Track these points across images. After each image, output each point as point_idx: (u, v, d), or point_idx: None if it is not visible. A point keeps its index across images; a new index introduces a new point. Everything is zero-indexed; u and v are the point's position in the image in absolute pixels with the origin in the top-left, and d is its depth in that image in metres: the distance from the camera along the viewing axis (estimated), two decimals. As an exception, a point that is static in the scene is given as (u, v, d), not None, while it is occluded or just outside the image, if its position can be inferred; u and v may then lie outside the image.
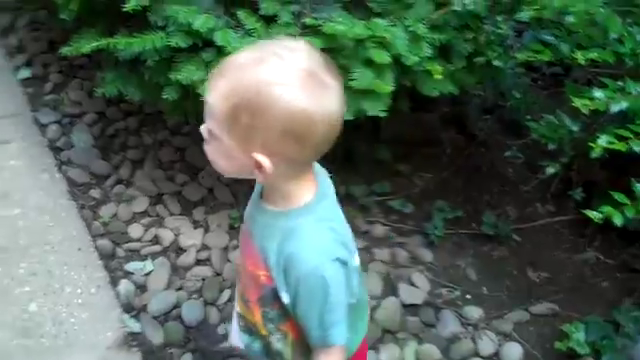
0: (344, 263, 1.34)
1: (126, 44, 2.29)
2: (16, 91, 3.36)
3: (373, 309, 2.56)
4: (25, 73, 3.48)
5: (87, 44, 2.35)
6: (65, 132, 3.18)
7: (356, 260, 1.48)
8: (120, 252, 2.69)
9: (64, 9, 2.37)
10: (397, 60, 2.29)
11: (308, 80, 1.21)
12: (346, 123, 2.35)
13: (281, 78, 1.20)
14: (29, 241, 2.67)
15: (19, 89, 3.38)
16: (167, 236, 2.75)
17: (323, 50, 2.24)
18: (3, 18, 3.80)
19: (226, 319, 2.48)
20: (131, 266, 2.63)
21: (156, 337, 2.40)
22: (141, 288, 2.56)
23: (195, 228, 2.81)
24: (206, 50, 2.27)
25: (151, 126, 3.21)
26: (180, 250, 2.72)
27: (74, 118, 3.25)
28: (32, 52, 3.61)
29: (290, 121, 1.20)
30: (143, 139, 3.17)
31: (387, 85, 2.28)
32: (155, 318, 2.46)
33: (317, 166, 1.45)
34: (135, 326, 2.42)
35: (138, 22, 2.36)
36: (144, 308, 2.48)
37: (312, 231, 1.33)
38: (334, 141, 1.30)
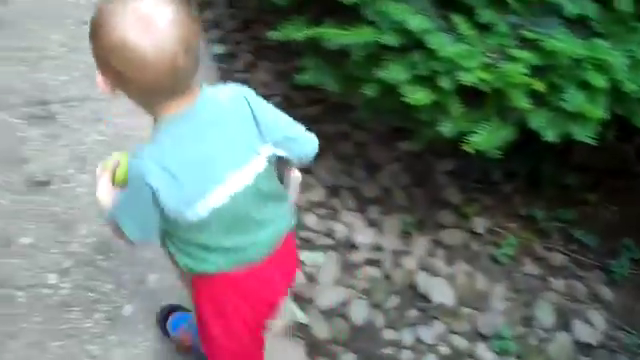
0: (150, 186, 1.43)
1: (335, 35, 2.27)
2: (209, 65, 3.43)
3: (542, 341, 2.45)
4: (219, 49, 3.55)
5: (296, 31, 2.36)
6: (251, 114, 3.21)
7: (201, 208, 1.50)
8: (293, 239, 2.69)
9: (278, -8, 2.38)
10: (613, 86, 2.17)
11: (138, 23, 1.32)
12: (534, 144, 2.28)
13: (114, 18, 1.33)
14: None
15: (212, 64, 3.45)
16: (340, 230, 2.74)
17: (537, 67, 2.18)
18: (203, -8, 3.91)
19: (392, 324, 2.45)
20: (303, 255, 2.62)
21: (321, 331, 2.39)
22: (311, 279, 2.55)
23: (368, 226, 2.77)
24: (415, 51, 2.22)
25: (333, 117, 3.20)
26: (352, 247, 2.69)
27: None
28: (227, 29, 3.68)
29: (111, 55, 1.35)
30: (325, 128, 3.15)
31: (599, 110, 2.15)
32: (322, 312, 2.44)
33: (227, 92, 1.59)
34: (302, 317, 2.41)
35: (346, 14, 2.34)
36: (312, 300, 2.47)
37: (145, 147, 1.46)
38: (169, 82, 1.39)
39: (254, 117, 1.57)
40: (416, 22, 2.17)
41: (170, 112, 1.45)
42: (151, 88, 1.39)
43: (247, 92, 1.63)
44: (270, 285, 1.72)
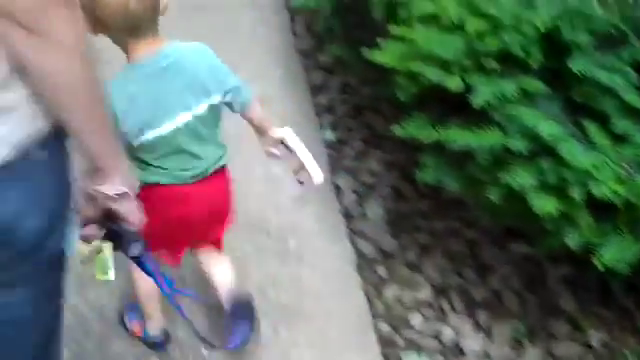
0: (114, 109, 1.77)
1: (461, 137, 2.22)
2: (320, 151, 3.41)
3: None
4: (329, 135, 3.54)
5: (420, 130, 2.32)
6: (360, 202, 3.17)
7: (150, 133, 1.91)
8: (398, 340, 2.60)
9: (404, 90, 2.34)
10: None
11: None
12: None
13: None
14: (312, 305, 2.66)
15: (323, 149, 3.44)
16: (448, 334, 2.63)
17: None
18: (317, 77, 3.92)
19: None
20: (408, 356, 2.53)
21: None
22: (416, 384, 2.45)
23: (477, 332, 2.66)
24: (544, 157, 2.15)
25: (444, 212, 3.12)
26: (460, 352, 2.58)
27: (370, 189, 3.24)
28: (339, 114, 3.67)
29: (88, 2, 1.70)
30: (434, 224, 3.08)
31: None
32: (427, 422, 2.34)
33: (188, 49, 1.97)
34: None
35: (471, 113, 2.29)
36: (417, 407, 2.37)
37: (116, 76, 1.88)
38: (124, 23, 1.78)
39: (212, 69, 1.98)
40: (547, 128, 2.10)
41: (138, 53, 1.86)
42: (113, 26, 1.77)
43: (207, 48, 2.02)
44: (183, 204, 2.08)
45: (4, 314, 1.32)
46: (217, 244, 2.36)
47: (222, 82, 2.00)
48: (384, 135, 3.50)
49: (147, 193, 1.92)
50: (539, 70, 2.19)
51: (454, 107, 2.39)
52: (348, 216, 3.12)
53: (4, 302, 1.30)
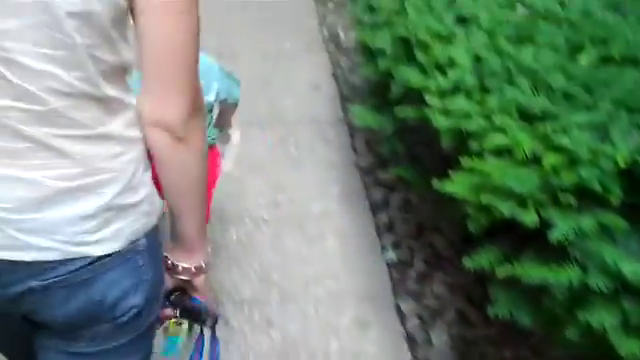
0: None
1: (537, 272, 2.15)
2: (381, 272, 3.36)
3: None
4: (391, 255, 3.48)
5: (493, 263, 2.25)
6: (424, 327, 3.09)
7: None
8: None
9: (474, 221, 2.29)
10: None
11: None
12: None
13: None
14: None
15: (384, 270, 3.38)
16: None
17: None
18: (377, 193, 3.89)
19: None
20: None
21: None
22: None
23: None
24: (626, 296, 2.06)
25: (512, 339, 3.00)
26: None
27: (434, 314, 3.15)
28: (400, 234, 3.62)
29: None
30: (503, 353, 2.97)
31: None
32: None
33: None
34: None
35: (546, 247, 2.22)
36: None
37: None
38: None
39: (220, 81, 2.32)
40: (629, 266, 2.01)
41: None
42: None
43: (217, 67, 2.36)
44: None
45: None
46: None
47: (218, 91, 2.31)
48: (447, 256, 3.44)
49: None
50: (618, 205, 2.13)
51: (525, 238, 2.33)
52: (412, 342, 3.03)
53: None
